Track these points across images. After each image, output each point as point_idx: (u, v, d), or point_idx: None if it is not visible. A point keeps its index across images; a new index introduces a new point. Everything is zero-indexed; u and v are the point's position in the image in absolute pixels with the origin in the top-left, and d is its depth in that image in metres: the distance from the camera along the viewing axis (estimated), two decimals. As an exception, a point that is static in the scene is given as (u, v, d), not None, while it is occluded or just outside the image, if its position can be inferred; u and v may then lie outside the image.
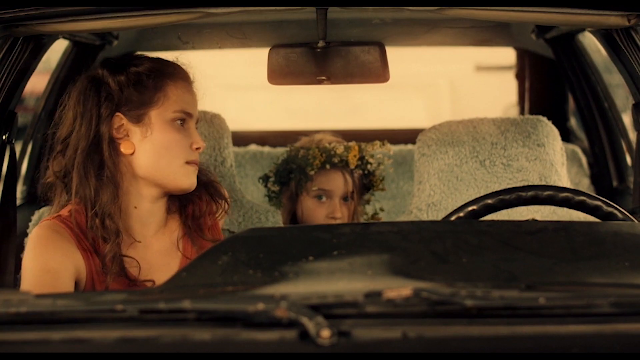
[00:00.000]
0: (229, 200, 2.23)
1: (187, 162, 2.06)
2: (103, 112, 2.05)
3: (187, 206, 2.15)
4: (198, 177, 2.11)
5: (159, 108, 2.06)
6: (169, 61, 2.14)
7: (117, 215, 2.03)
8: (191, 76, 2.15)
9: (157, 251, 2.10)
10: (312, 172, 2.49)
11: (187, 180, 2.07)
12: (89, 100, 2.06)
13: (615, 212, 1.85)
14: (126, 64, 2.10)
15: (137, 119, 2.05)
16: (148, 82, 2.07)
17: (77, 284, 2.04)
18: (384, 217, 3.27)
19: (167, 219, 2.14)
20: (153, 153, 2.05)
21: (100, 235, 2.02)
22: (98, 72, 2.11)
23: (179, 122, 2.07)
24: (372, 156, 2.59)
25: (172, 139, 2.05)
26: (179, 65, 2.14)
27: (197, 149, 2.08)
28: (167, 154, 2.05)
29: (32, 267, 2.02)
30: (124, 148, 2.05)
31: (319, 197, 2.53)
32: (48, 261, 2.00)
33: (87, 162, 2.03)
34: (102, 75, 2.09)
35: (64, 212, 2.09)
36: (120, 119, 2.05)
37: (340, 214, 2.53)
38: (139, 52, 3.82)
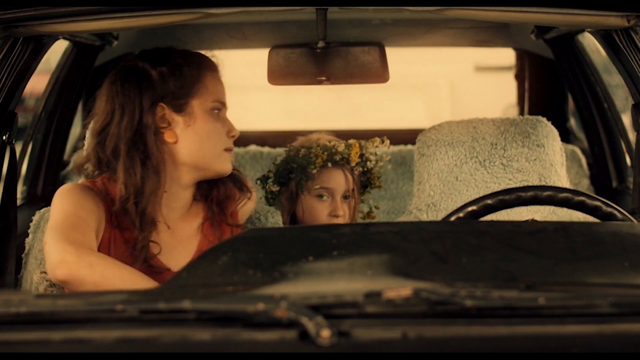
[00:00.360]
0: (251, 188, 2.30)
1: (225, 149, 2.14)
2: (145, 103, 2.09)
3: (213, 191, 2.21)
4: None
5: (200, 98, 2.12)
6: (202, 54, 2.20)
7: (157, 204, 2.08)
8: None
9: (179, 235, 2.15)
10: (315, 171, 2.49)
11: (225, 165, 2.15)
12: (129, 91, 2.10)
13: (615, 212, 1.85)
14: (165, 55, 2.15)
15: (180, 109, 2.11)
16: (188, 73, 2.12)
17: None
18: (383, 218, 3.28)
19: (192, 204, 2.20)
20: (196, 141, 2.11)
21: (134, 221, 2.06)
22: (137, 63, 2.14)
23: (216, 111, 2.14)
24: (372, 153, 2.59)
25: (212, 127, 2.12)
26: (210, 58, 2.20)
27: (232, 136, 2.16)
28: (209, 141, 2.12)
29: (63, 209, 2.05)
30: (168, 137, 2.10)
31: (321, 195, 2.53)
32: (79, 209, 2.04)
33: (132, 152, 2.07)
34: (143, 66, 2.12)
35: (97, 180, 2.14)
36: (162, 109, 2.10)
37: (342, 212, 2.53)
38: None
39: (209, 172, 2.15)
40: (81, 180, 2.23)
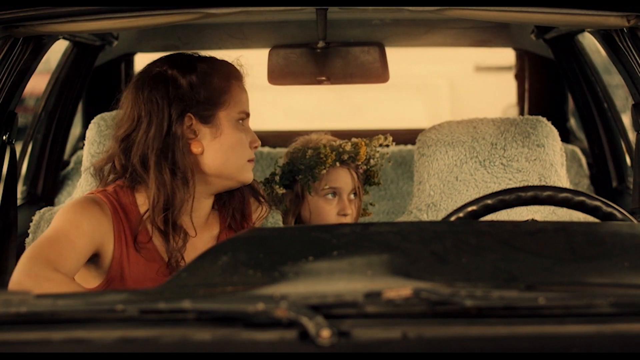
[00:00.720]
0: (266, 198, 2.30)
1: (249, 160, 2.14)
2: (174, 113, 2.05)
3: (231, 202, 2.20)
4: None
5: (227, 109, 2.09)
6: (229, 62, 2.17)
7: (187, 214, 2.08)
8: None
9: (198, 245, 2.13)
10: (324, 171, 2.49)
11: (248, 175, 2.14)
12: (158, 99, 2.06)
13: (615, 212, 1.85)
14: (194, 63, 2.11)
15: (207, 120, 2.08)
16: (217, 83, 2.09)
17: (98, 260, 2.05)
18: (383, 218, 3.27)
19: (210, 214, 2.19)
20: (222, 153, 2.09)
21: (166, 232, 2.05)
22: (166, 70, 2.09)
23: (241, 121, 2.12)
24: (376, 151, 2.59)
25: (238, 139, 2.11)
26: (236, 66, 2.17)
27: (255, 147, 2.15)
28: (234, 153, 2.10)
29: (54, 226, 2.02)
30: (195, 148, 2.08)
31: (329, 195, 2.53)
32: (71, 228, 1.99)
33: (161, 162, 2.04)
34: (172, 74, 2.08)
35: (110, 188, 2.11)
36: (190, 119, 2.07)
37: (350, 211, 2.53)
38: (140, 53, 3.84)
39: (233, 182, 2.14)
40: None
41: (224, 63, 2.15)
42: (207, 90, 2.08)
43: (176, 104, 2.05)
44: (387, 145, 2.57)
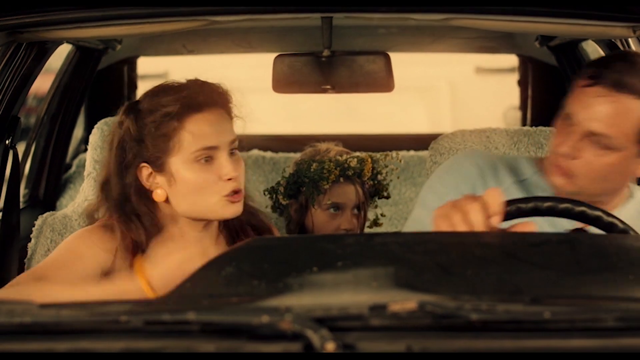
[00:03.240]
0: (274, 231, 2.22)
1: (225, 196, 1.99)
2: (129, 162, 2.00)
3: (235, 233, 2.13)
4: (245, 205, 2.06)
5: (177, 155, 1.98)
6: (197, 89, 2.02)
7: (171, 239, 2.03)
8: (229, 98, 2.06)
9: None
10: (327, 186, 2.48)
11: (228, 211, 2.01)
12: (116, 148, 2.02)
13: (616, 222, 1.85)
14: (147, 103, 2.02)
15: (160, 168, 2.00)
16: (165, 127, 1.98)
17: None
18: (386, 224, 3.27)
19: (216, 243, 2.11)
20: (185, 197, 2.00)
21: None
22: (124, 117, 2.03)
23: (203, 160, 1.99)
24: (384, 167, 2.59)
25: (197, 180, 1.98)
26: (207, 93, 2.02)
27: (229, 179, 1.99)
28: (199, 194, 1.99)
29: (63, 246, 2.01)
30: (156, 197, 2.01)
31: (332, 209, 2.53)
32: (71, 256, 1.97)
33: (125, 209, 2.00)
34: (127, 121, 2.01)
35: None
36: (147, 168, 2.01)
37: (351, 226, 2.53)
38: (143, 57, 3.84)
39: (213, 218, 2.05)
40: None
41: (180, 97, 1.99)
42: (152, 137, 1.98)
43: (130, 154, 2.00)
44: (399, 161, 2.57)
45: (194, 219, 2.05)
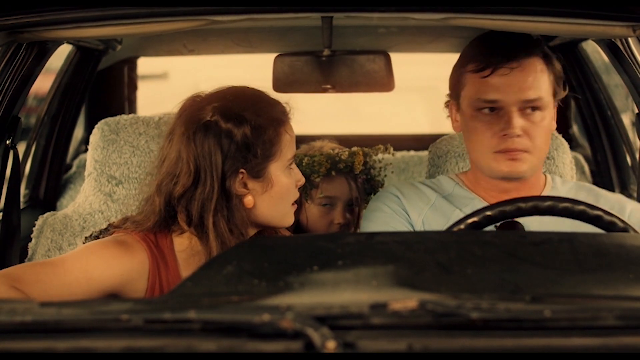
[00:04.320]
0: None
1: (293, 203, 2.09)
2: (228, 169, 1.98)
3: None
4: None
5: (277, 161, 2.03)
6: (277, 103, 2.08)
7: None
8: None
9: None
10: (318, 179, 2.49)
11: (290, 219, 2.10)
12: (213, 154, 1.97)
13: (616, 221, 1.85)
14: (246, 111, 2.01)
15: (258, 174, 2.02)
16: (268, 135, 2.01)
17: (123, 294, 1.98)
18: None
19: None
20: (272, 204, 2.04)
21: None
22: (217, 122, 1.98)
23: (290, 166, 2.07)
24: (377, 161, 2.59)
25: (286, 186, 2.05)
26: (285, 106, 2.10)
27: (299, 185, 2.11)
28: (282, 201, 2.05)
29: (66, 253, 1.97)
30: (247, 202, 2.02)
31: (325, 204, 2.53)
32: (77, 264, 1.92)
33: (219, 218, 1.97)
34: (226, 127, 1.98)
35: (149, 229, 2.02)
36: (242, 175, 2.00)
37: (344, 220, 2.53)
38: (143, 57, 3.84)
39: (277, 226, 2.11)
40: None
41: (274, 108, 2.06)
42: (260, 144, 2.00)
43: (230, 161, 1.98)
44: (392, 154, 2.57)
45: (260, 225, 2.07)
